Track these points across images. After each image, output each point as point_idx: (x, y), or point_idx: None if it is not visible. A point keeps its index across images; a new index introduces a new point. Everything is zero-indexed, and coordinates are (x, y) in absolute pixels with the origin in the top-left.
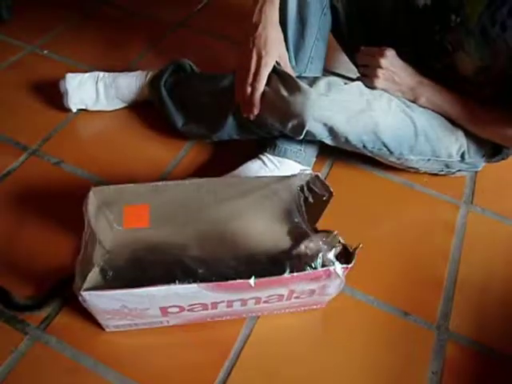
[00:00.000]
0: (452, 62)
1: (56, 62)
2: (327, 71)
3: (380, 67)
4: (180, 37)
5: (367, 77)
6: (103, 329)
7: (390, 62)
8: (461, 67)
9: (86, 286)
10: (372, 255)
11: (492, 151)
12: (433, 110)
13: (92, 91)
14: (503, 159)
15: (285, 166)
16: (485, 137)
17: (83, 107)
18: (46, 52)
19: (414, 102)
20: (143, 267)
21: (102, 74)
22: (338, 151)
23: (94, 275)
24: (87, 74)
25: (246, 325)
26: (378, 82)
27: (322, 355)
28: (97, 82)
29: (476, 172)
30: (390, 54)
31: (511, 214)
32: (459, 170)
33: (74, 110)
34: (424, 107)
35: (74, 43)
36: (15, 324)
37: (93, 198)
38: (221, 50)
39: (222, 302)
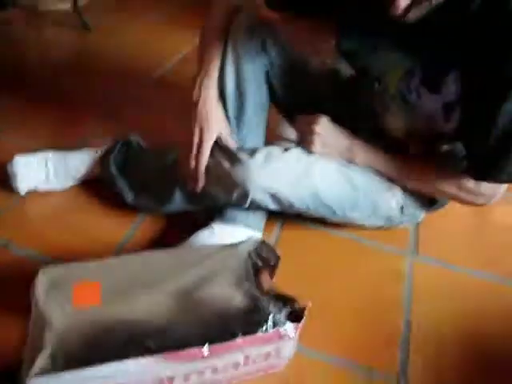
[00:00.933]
0: (381, 123)
1: (4, 143)
2: (275, 137)
3: (315, 133)
4: (129, 112)
5: (304, 143)
6: None
7: (323, 128)
8: (389, 128)
9: (34, 371)
10: (326, 313)
11: (429, 202)
12: (371, 170)
13: (41, 172)
14: (440, 208)
15: (234, 232)
16: (419, 191)
17: (33, 188)
18: None
19: (349, 162)
20: (94, 347)
21: (50, 154)
22: (286, 213)
23: (42, 359)
24: (36, 155)
25: None
26: (314, 148)
27: None
28: (46, 163)
29: (418, 223)
30: (323, 120)
31: (455, 261)
32: (401, 222)
33: (23, 193)
34: (360, 166)
35: (23, 123)
36: None
37: (42, 279)
38: (169, 124)
39: (178, 377)
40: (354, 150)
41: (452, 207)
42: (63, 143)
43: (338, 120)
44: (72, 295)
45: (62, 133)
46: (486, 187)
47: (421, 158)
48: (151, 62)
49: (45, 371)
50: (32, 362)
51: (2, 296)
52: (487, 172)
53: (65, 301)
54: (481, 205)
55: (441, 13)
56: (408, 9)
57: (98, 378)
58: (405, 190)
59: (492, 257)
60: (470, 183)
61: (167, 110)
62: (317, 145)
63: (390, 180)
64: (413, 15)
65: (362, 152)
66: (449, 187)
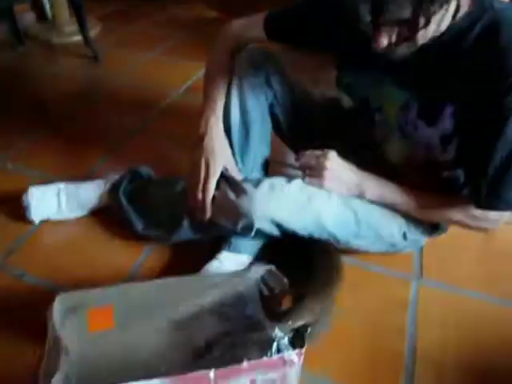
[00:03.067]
0: (381, 153)
1: (18, 175)
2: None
3: (326, 169)
4: (138, 142)
5: (313, 178)
6: None
7: (334, 163)
8: (389, 157)
9: None
10: (331, 339)
11: (430, 227)
12: (377, 203)
13: (54, 202)
14: (443, 233)
15: (241, 261)
16: (429, 221)
17: (46, 218)
18: (9, 166)
19: (360, 197)
20: (108, 370)
21: (63, 185)
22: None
23: (57, 381)
24: (49, 186)
25: None
26: (326, 183)
27: None
28: (58, 194)
29: (421, 247)
30: (332, 155)
31: (459, 283)
32: (405, 247)
33: (37, 222)
34: (369, 200)
35: (37, 156)
36: None
37: (58, 305)
38: (177, 153)
39: None
40: (364, 184)
41: (456, 230)
42: (74, 174)
43: (339, 151)
44: (87, 321)
45: (73, 163)
46: (492, 213)
47: (426, 188)
48: (158, 92)
49: None
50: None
51: (19, 323)
52: (488, 201)
53: (80, 326)
54: (487, 230)
55: (432, 52)
56: (389, 47)
57: None
58: (407, 216)
59: (496, 279)
60: (477, 210)
61: (174, 139)
62: (328, 180)
63: (397, 211)
64: (400, 52)
65: (372, 186)
66: (455, 215)
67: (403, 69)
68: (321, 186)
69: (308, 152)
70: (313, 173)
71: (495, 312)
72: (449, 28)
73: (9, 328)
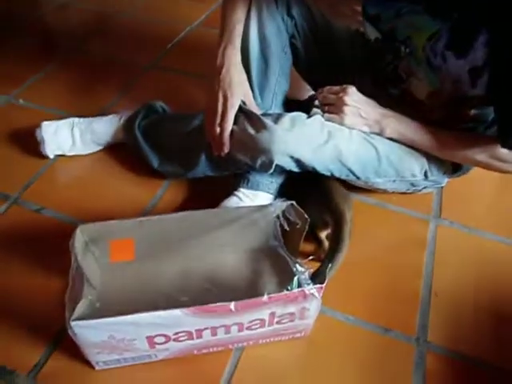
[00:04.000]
0: (407, 87)
1: (32, 110)
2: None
3: (346, 104)
4: (152, 78)
5: (334, 114)
6: (93, 367)
7: (354, 99)
8: (415, 92)
9: (74, 316)
10: (349, 276)
11: (452, 168)
12: (398, 141)
13: (68, 137)
14: (464, 174)
15: (259, 198)
16: (451, 160)
17: (60, 153)
18: (21, 101)
19: (379, 134)
20: (129, 299)
21: (76, 119)
22: None
23: (82, 307)
24: (62, 121)
25: (233, 355)
26: (346, 119)
27: (310, 381)
28: (72, 128)
29: (442, 187)
30: (352, 90)
31: (478, 225)
32: (425, 187)
33: (52, 157)
34: (389, 138)
35: (48, 91)
36: (4, 376)
37: (79, 236)
38: (192, 88)
39: (206, 328)
40: (385, 120)
41: (476, 172)
42: (87, 110)
43: (361, 86)
44: (108, 251)
45: (86, 100)
46: None
47: (450, 127)
48: (171, 26)
49: (84, 316)
50: (73, 310)
51: (41, 255)
52: None
53: (102, 256)
54: (510, 172)
55: None
56: None
57: (131, 326)
58: (429, 156)
59: None
60: (503, 151)
61: (189, 74)
62: (349, 116)
63: (414, 147)
64: None
65: (392, 122)
66: (480, 155)
67: None
68: (340, 123)
69: (327, 88)
70: (332, 109)
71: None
72: None
73: (33, 258)
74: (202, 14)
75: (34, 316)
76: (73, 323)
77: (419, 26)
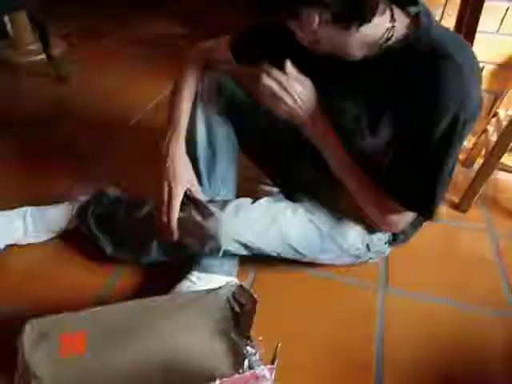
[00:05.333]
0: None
1: None
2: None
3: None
4: (104, 162)
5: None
6: None
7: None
8: None
9: None
10: (301, 352)
11: (392, 237)
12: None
13: (20, 226)
14: (404, 242)
15: (211, 280)
16: (354, 196)
17: (13, 243)
18: None
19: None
20: None
21: (29, 208)
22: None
23: None
24: (15, 211)
25: None
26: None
27: None
28: (25, 217)
29: (386, 256)
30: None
31: (424, 291)
32: (370, 258)
33: (2, 247)
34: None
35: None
36: None
37: (28, 331)
38: (145, 172)
39: None
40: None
41: (417, 239)
42: (39, 197)
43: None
44: (59, 346)
45: (37, 187)
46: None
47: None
48: (124, 111)
49: None
50: None
51: None
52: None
53: (52, 352)
54: (392, 229)
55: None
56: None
57: None
58: (368, 229)
59: (457, 284)
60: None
61: (141, 158)
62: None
63: (355, 222)
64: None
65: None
66: (386, 205)
67: (351, 79)
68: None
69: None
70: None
71: (459, 317)
72: (387, 47)
73: None
74: (155, 97)
75: None
76: None
77: (340, 109)
